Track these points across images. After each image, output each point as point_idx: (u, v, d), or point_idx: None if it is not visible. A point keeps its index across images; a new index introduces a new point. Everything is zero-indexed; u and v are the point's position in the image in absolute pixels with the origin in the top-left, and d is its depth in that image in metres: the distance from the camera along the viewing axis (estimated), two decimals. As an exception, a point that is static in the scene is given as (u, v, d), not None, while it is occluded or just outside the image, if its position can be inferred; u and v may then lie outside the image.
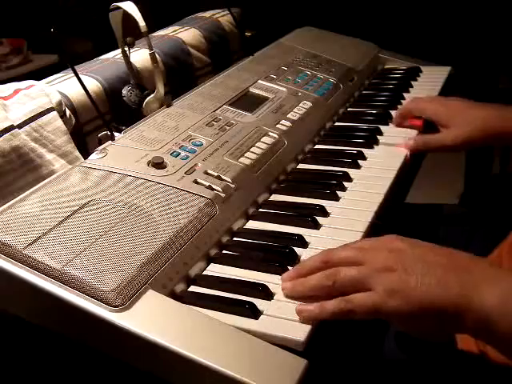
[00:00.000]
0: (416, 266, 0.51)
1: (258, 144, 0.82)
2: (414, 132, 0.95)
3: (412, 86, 1.17)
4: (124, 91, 0.90)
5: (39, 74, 0.91)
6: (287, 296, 0.57)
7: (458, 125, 0.88)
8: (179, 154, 0.75)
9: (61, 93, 0.83)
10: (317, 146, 0.94)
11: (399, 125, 0.98)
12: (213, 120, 0.85)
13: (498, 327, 0.47)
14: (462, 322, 0.49)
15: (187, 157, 0.75)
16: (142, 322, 0.52)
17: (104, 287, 0.54)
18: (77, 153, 0.80)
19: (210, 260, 0.65)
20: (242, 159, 0.78)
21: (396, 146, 0.91)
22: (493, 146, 1.73)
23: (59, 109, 0.80)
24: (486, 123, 0.86)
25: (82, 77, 0.80)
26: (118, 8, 0.86)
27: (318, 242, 0.67)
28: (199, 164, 0.74)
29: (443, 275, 0.50)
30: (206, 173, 0.73)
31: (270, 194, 0.80)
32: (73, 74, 0.78)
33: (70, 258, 0.56)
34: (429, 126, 0.95)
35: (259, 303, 0.56)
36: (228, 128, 0.84)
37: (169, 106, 0.88)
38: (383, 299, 0.50)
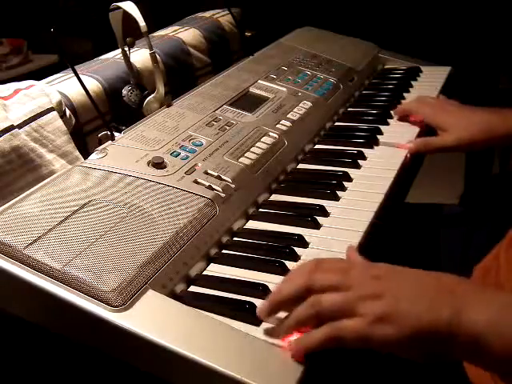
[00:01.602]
0: (405, 292, 0.50)
1: (258, 144, 0.82)
2: (414, 132, 0.95)
3: (412, 86, 1.17)
4: (124, 91, 0.90)
5: (39, 74, 0.91)
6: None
7: (459, 127, 0.88)
8: (179, 154, 0.75)
9: (61, 93, 0.83)
10: (317, 146, 0.94)
11: (400, 119, 0.99)
12: (213, 120, 0.85)
13: (491, 346, 0.47)
14: (454, 344, 0.48)
15: (187, 157, 0.75)
16: (142, 322, 0.52)
17: (104, 287, 0.54)
18: (77, 153, 0.80)
19: (210, 260, 0.65)
20: (242, 159, 0.78)
21: (396, 146, 0.91)
22: (494, 147, 1.73)
23: (59, 109, 0.80)
24: (488, 126, 0.87)
25: (82, 77, 0.80)
26: (118, 8, 0.86)
27: (318, 242, 0.67)
28: (199, 164, 0.74)
29: (433, 299, 0.49)
30: (206, 173, 0.73)
31: (270, 194, 0.80)
32: (73, 74, 0.78)
33: (71, 258, 0.56)
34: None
35: (259, 303, 0.56)
36: (228, 128, 0.84)
37: (169, 105, 0.88)
38: (374, 326, 0.49)
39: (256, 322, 0.54)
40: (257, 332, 0.53)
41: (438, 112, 0.93)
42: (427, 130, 0.96)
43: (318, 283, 0.52)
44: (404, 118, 1.00)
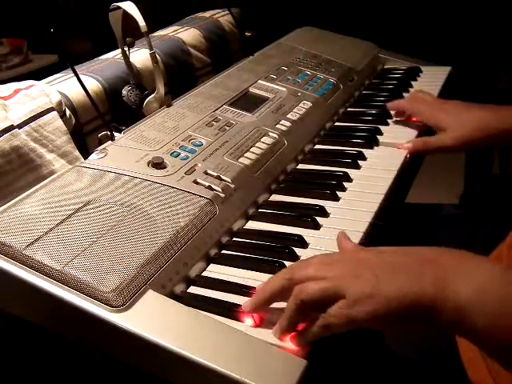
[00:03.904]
0: (385, 269, 0.50)
1: (257, 144, 0.82)
2: (414, 133, 0.95)
3: (412, 86, 1.17)
4: (124, 91, 0.90)
5: (39, 74, 0.91)
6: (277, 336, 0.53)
7: (456, 126, 0.88)
8: (179, 154, 0.75)
9: (61, 93, 0.83)
10: (317, 146, 0.94)
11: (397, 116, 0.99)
12: (213, 120, 0.85)
13: (474, 320, 0.47)
14: (438, 316, 0.48)
15: (187, 157, 0.75)
16: (142, 322, 0.52)
17: (104, 288, 0.54)
18: (77, 153, 0.80)
19: (210, 260, 0.65)
20: (241, 159, 0.78)
21: (395, 147, 0.91)
22: (491, 146, 1.73)
23: (59, 109, 0.80)
24: (484, 123, 0.86)
25: (81, 77, 0.80)
26: (118, 8, 0.86)
27: (318, 242, 0.67)
28: (199, 164, 0.74)
29: (415, 272, 0.49)
30: (206, 173, 0.73)
31: (270, 194, 0.80)
32: (73, 74, 0.78)
33: (70, 259, 0.56)
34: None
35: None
36: (228, 128, 0.84)
37: (169, 106, 0.88)
38: (358, 305, 0.49)
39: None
40: (257, 332, 0.53)
41: (434, 111, 0.93)
42: (427, 130, 0.96)
43: (299, 275, 0.53)
44: (402, 117, 1.00)
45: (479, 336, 0.48)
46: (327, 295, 0.50)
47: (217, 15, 1.26)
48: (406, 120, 0.99)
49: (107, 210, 0.63)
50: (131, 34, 0.89)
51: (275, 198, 0.79)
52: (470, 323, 0.47)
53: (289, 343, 0.52)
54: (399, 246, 0.54)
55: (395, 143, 0.92)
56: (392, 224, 0.78)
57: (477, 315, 0.46)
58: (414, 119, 0.98)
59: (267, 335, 0.53)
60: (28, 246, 0.57)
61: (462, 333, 0.51)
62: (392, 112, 1.01)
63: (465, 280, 0.48)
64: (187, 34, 1.14)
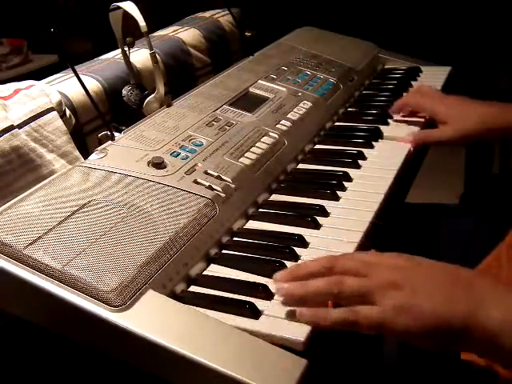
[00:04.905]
0: (423, 285, 0.51)
1: (258, 144, 0.82)
2: (414, 130, 0.95)
3: (412, 86, 1.17)
4: (124, 91, 0.90)
5: (39, 74, 0.91)
6: (284, 297, 0.55)
7: (457, 119, 0.89)
8: (179, 154, 0.75)
9: (61, 93, 0.83)
10: (317, 146, 0.94)
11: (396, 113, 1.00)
12: (213, 120, 0.85)
13: (504, 344, 0.47)
14: (468, 339, 0.48)
15: (187, 157, 0.75)
16: (142, 322, 0.52)
17: (104, 287, 0.54)
18: (77, 153, 0.80)
19: (210, 260, 0.65)
20: (242, 159, 0.78)
21: (397, 140, 0.91)
22: (491, 141, 1.73)
23: (59, 109, 0.80)
24: (485, 117, 0.87)
25: (82, 77, 0.80)
26: (118, 8, 0.86)
27: (319, 242, 0.67)
28: (199, 164, 0.74)
29: (450, 292, 0.50)
30: (206, 173, 0.73)
31: (270, 194, 0.80)
32: (73, 74, 0.78)
33: (70, 258, 0.56)
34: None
35: (259, 303, 0.56)
36: (228, 128, 0.84)
37: (169, 105, 0.88)
38: (391, 316, 0.50)
39: (254, 315, 0.55)
40: (255, 325, 0.54)
41: (437, 103, 0.94)
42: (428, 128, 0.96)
43: (340, 266, 0.54)
44: (405, 113, 0.99)
45: (510, 359, 0.48)
46: (363, 294, 0.51)
47: (217, 15, 1.26)
48: (408, 115, 0.99)
49: (107, 210, 0.63)
50: (131, 34, 0.89)
51: (275, 197, 0.79)
52: (500, 347, 0.47)
53: (302, 317, 0.53)
54: (436, 261, 0.55)
55: (396, 141, 0.92)
56: (392, 224, 0.78)
57: (508, 339, 0.47)
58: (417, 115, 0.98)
59: (270, 327, 0.53)
60: (28, 245, 0.57)
61: (492, 356, 0.51)
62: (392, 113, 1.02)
63: (497, 305, 0.49)
64: (187, 34, 1.14)
